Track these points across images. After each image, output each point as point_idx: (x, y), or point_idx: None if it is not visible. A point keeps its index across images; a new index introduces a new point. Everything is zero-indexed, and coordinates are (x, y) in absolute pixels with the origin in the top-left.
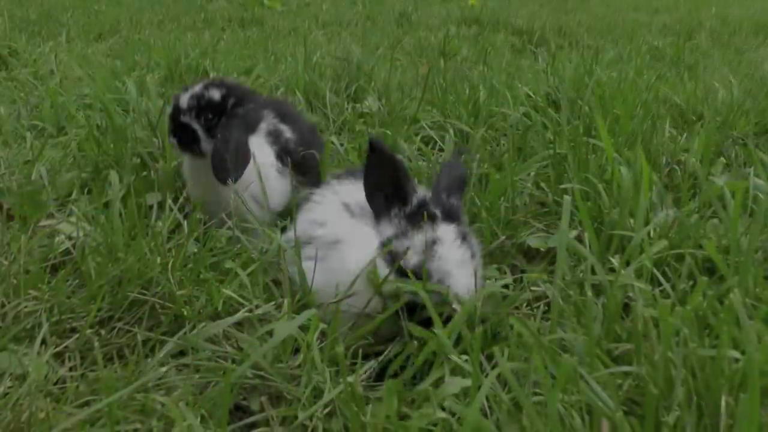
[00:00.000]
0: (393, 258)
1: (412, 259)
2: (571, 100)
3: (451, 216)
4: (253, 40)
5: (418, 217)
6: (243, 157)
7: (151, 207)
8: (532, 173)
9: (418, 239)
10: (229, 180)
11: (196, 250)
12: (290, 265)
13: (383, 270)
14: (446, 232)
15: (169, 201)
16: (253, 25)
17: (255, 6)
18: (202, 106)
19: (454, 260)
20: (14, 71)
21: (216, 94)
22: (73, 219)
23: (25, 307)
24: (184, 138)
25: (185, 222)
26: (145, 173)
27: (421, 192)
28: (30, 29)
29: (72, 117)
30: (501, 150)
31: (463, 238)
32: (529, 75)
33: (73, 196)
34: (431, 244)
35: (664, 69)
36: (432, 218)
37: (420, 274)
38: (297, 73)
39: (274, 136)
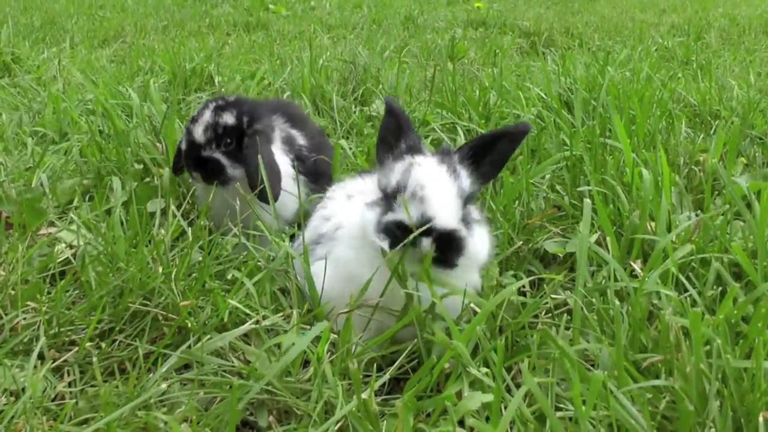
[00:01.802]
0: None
1: (390, 182)
2: (584, 101)
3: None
4: (259, 44)
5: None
6: (277, 175)
7: (153, 214)
8: (547, 176)
9: (398, 166)
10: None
11: (200, 259)
12: (299, 274)
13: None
14: (427, 160)
15: (173, 208)
16: (258, 30)
17: (260, 10)
18: (219, 135)
19: (431, 177)
20: (17, 78)
21: (230, 119)
22: (73, 227)
23: (24, 319)
24: (209, 171)
25: (189, 229)
26: (147, 179)
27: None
28: (34, 36)
29: (75, 123)
30: (515, 153)
31: (453, 170)
32: (540, 76)
33: (75, 203)
34: (409, 167)
35: (676, 69)
36: (414, 150)
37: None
38: (303, 77)
39: (289, 144)
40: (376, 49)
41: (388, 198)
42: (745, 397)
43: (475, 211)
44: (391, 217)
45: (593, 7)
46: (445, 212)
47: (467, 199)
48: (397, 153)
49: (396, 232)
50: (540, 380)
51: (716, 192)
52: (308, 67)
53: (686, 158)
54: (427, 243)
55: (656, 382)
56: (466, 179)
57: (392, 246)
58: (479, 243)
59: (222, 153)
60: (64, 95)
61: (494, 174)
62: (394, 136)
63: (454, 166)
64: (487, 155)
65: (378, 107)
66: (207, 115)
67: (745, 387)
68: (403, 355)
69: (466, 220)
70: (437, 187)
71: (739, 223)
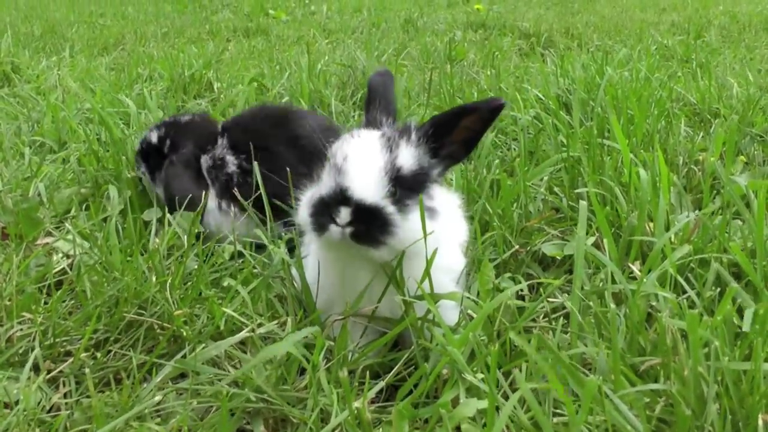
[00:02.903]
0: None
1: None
2: (582, 101)
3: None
4: (258, 49)
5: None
6: (171, 203)
7: (149, 223)
8: (545, 178)
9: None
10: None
11: (196, 267)
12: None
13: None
14: (367, 134)
15: (168, 216)
16: (258, 35)
17: (260, 16)
18: (145, 151)
19: (357, 150)
20: (16, 87)
21: (154, 138)
22: (70, 237)
23: (20, 330)
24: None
25: (185, 237)
26: (143, 188)
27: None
28: (34, 45)
29: (73, 131)
30: (512, 155)
31: (391, 145)
32: (538, 77)
33: (72, 212)
34: (344, 140)
35: (675, 68)
36: (371, 124)
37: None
38: (301, 82)
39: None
40: (374, 52)
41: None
42: (744, 399)
43: (431, 199)
44: (315, 193)
45: (593, 7)
46: (364, 184)
47: (408, 179)
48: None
49: (321, 209)
50: (538, 386)
51: (716, 191)
52: (307, 72)
53: (685, 157)
54: (345, 213)
55: (653, 386)
56: (407, 156)
57: (317, 225)
58: (414, 228)
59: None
60: (63, 104)
61: (462, 155)
62: (366, 111)
63: (395, 142)
64: (451, 133)
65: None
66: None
67: (744, 389)
68: (401, 362)
69: (401, 201)
70: (360, 160)
71: (738, 222)
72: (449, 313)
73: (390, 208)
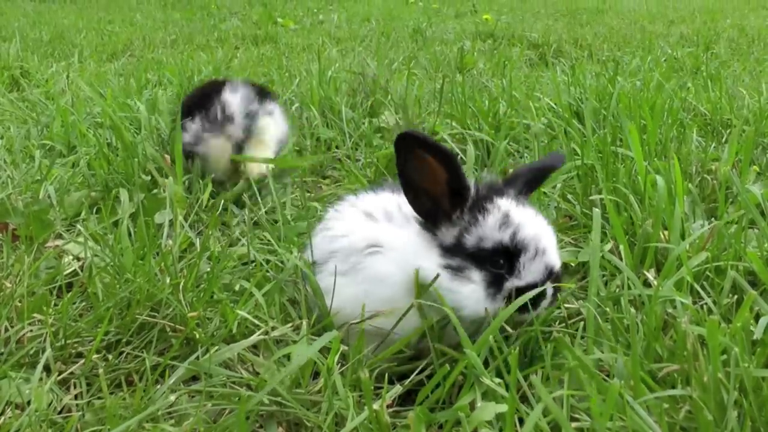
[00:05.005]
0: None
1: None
2: (594, 110)
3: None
4: (267, 56)
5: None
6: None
7: (161, 225)
8: (559, 185)
9: (489, 220)
10: None
11: (209, 270)
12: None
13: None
14: (507, 203)
15: (180, 219)
16: (267, 43)
17: (268, 24)
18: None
19: (540, 227)
20: (25, 92)
21: None
22: (81, 239)
23: (30, 331)
24: None
25: (197, 240)
26: (155, 191)
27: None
28: (42, 50)
29: (83, 136)
30: (525, 162)
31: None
32: (549, 86)
33: (82, 215)
34: (505, 218)
35: (686, 79)
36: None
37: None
38: (312, 88)
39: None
40: (384, 61)
41: (481, 257)
42: (764, 406)
43: None
44: (516, 282)
45: (601, 19)
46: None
47: None
48: (469, 205)
49: (515, 294)
50: (555, 393)
51: (729, 200)
52: (317, 78)
53: (698, 167)
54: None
55: (675, 392)
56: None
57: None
58: None
59: None
60: (73, 108)
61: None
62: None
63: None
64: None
65: (387, 119)
66: None
67: (764, 396)
68: (419, 368)
69: None
70: (549, 235)
71: (753, 231)
72: None
73: None
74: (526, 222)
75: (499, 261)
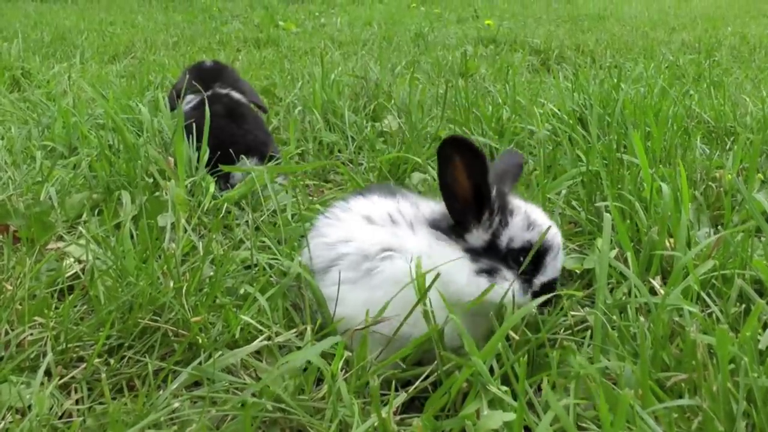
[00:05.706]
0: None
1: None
2: (599, 116)
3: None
4: (269, 60)
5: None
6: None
7: (163, 228)
8: (563, 192)
9: (517, 221)
10: None
11: (212, 274)
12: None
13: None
14: (521, 203)
15: (183, 222)
16: (269, 46)
17: (270, 27)
18: None
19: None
20: (26, 92)
21: None
22: (82, 241)
23: (30, 334)
24: None
25: (200, 243)
26: (157, 193)
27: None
28: (44, 51)
29: (84, 137)
30: (529, 168)
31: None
32: (552, 92)
33: (84, 217)
34: (528, 218)
35: (688, 86)
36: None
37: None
38: (314, 92)
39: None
40: (387, 65)
41: (510, 257)
42: None
43: None
44: (543, 278)
45: (603, 25)
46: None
47: None
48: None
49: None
50: (562, 401)
51: (734, 208)
52: (320, 82)
53: (702, 174)
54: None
55: (683, 402)
56: None
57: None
58: None
59: None
60: (74, 110)
61: None
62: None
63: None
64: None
65: (390, 123)
66: None
67: None
68: (425, 374)
69: None
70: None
71: (758, 239)
72: None
73: None
74: (546, 221)
75: (521, 259)
